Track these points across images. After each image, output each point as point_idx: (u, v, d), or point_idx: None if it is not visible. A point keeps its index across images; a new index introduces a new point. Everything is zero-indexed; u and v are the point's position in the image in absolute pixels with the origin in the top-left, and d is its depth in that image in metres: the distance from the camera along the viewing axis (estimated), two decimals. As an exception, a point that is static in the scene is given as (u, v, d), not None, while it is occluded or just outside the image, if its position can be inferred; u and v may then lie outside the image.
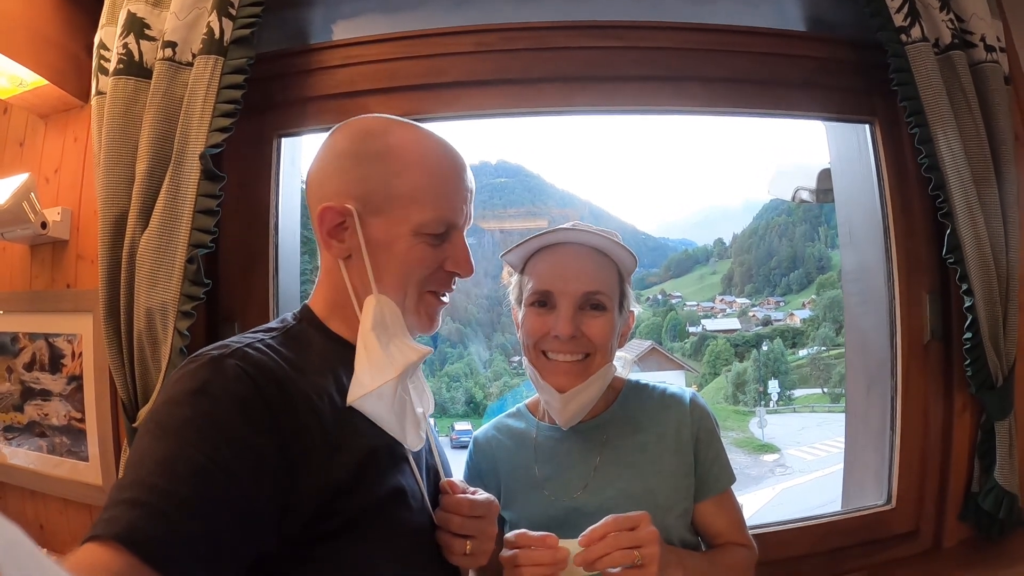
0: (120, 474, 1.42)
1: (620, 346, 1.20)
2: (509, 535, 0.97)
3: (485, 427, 1.29)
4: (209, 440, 0.66)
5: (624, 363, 1.28)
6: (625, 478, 1.11)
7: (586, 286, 1.10)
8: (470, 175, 0.94)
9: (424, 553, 0.89)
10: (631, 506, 1.02)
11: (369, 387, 0.81)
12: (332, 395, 0.81)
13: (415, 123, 0.93)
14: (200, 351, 0.77)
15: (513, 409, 1.30)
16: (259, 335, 0.83)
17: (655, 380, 1.27)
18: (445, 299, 0.95)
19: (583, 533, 0.93)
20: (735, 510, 1.17)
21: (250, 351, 0.76)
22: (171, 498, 0.62)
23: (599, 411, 1.19)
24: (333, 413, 0.79)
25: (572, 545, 0.93)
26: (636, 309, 1.22)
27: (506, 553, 0.95)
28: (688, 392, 1.20)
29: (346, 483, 0.76)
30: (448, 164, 0.90)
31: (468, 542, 0.90)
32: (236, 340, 0.79)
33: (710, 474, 1.13)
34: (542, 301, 1.13)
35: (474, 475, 1.23)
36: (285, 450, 0.72)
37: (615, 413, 1.18)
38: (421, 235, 0.87)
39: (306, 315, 0.91)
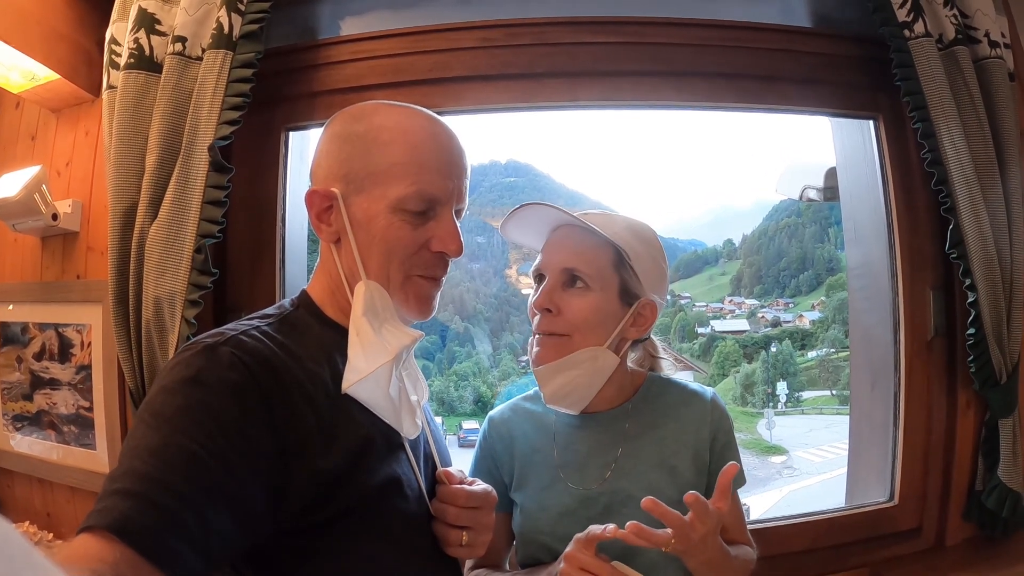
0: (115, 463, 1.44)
1: (635, 337, 1.15)
2: (583, 557, 0.93)
3: (501, 408, 1.27)
4: (203, 428, 0.66)
5: (667, 364, 1.27)
6: (642, 471, 1.10)
7: (565, 262, 1.10)
8: (461, 151, 0.90)
9: (421, 543, 0.88)
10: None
11: (364, 372, 0.80)
12: (327, 382, 0.80)
13: (411, 105, 0.90)
14: (195, 339, 0.76)
15: (531, 392, 1.26)
16: (255, 322, 0.82)
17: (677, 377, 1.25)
18: (439, 281, 0.92)
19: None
20: (740, 510, 1.18)
21: (245, 338, 0.75)
22: (164, 487, 0.62)
23: (618, 402, 1.17)
24: (328, 401, 0.78)
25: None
26: (656, 299, 1.15)
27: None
28: (709, 391, 1.19)
29: (341, 472, 0.76)
30: (430, 138, 0.87)
31: (465, 533, 0.89)
32: (231, 327, 0.78)
33: None
34: (539, 277, 1.15)
35: (487, 455, 1.21)
36: (280, 438, 0.71)
37: (636, 406, 1.17)
38: (400, 212, 0.84)
39: (303, 301, 0.90)
